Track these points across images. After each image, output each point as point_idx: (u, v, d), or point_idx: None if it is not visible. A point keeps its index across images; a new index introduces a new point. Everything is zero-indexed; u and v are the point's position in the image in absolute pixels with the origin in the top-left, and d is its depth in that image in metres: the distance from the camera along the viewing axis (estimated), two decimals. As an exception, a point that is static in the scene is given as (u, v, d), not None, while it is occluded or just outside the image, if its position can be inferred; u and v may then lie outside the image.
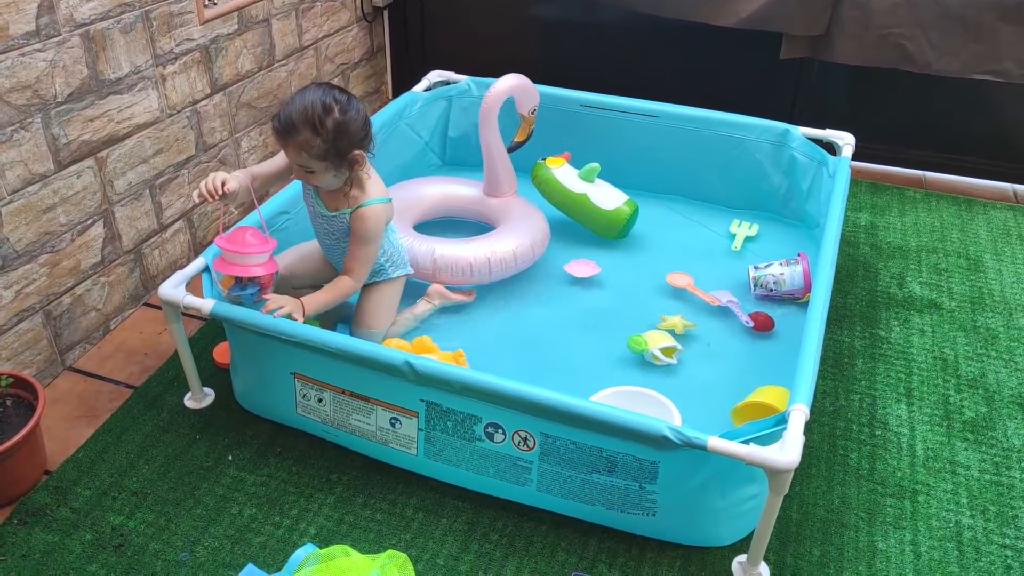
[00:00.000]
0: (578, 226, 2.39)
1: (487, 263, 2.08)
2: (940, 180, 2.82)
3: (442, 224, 2.38)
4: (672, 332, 1.98)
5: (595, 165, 2.35)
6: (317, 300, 1.76)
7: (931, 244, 2.45)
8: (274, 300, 1.65)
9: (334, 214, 1.80)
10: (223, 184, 1.65)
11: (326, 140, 1.64)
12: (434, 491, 1.65)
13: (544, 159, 2.38)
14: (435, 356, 1.77)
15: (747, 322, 2.01)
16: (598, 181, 2.37)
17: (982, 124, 2.73)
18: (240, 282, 1.66)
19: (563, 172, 2.35)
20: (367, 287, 1.92)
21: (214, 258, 1.70)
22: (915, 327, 2.11)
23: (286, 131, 1.64)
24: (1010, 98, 2.65)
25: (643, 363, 1.93)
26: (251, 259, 1.64)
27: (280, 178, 1.85)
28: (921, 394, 1.90)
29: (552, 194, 2.36)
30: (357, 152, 1.70)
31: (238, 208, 2.37)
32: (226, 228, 1.70)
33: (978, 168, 2.80)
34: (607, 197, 2.33)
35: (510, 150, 2.34)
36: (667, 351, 1.90)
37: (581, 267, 2.21)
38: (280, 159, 1.82)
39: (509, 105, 2.32)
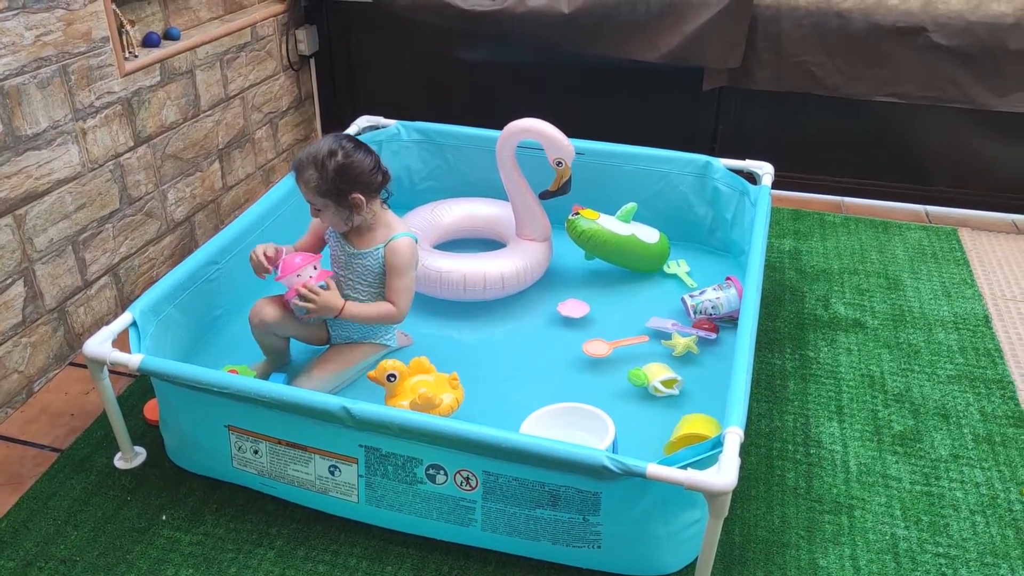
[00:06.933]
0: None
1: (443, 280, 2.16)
2: (857, 204, 2.95)
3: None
4: (690, 353, 2.04)
5: (633, 205, 2.36)
6: (359, 307, 1.89)
7: (852, 266, 2.54)
8: (327, 293, 1.83)
9: (366, 251, 1.89)
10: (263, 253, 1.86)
11: (326, 178, 1.79)
12: (377, 538, 1.62)
13: (576, 214, 2.30)
14: (432, 376, 1.77)
15: (708, 335, 2.07)
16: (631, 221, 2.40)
17: (893, 150, 2.87)
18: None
19: (606, 220, 2.31)
20: (349, 344, 1.99)
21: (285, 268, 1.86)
22: (842, 346, 2.18)
23: (296, 169, 1.83)
24: (916, 124, 2.80)
25: (645, 395, 1.93)
26: (305, 271, 1.85)
27: (314, 246, 2.01)
28: (851, 411, 1.96)
29: (603, 244, 2.29)
30: (355, 196, 1.81)
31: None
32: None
33: (892, 192, 2.93)
34: (646, 233, 2.37)
35: (541, 197, 2.32)
36: (668, 383, 1.92)
37: (573, 307, 2.22)
38: (309, 229, 2.00)
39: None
